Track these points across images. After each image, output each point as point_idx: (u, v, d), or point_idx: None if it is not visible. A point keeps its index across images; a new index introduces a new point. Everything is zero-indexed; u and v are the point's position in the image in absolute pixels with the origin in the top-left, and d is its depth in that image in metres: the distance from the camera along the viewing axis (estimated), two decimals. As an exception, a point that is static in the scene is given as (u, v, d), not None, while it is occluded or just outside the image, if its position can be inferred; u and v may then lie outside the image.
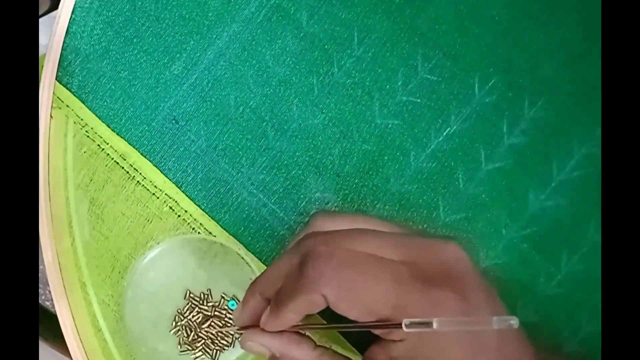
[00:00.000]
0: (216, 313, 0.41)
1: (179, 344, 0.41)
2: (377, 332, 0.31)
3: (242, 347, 0.35)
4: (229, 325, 0.41)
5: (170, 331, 0.41)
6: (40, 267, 0.43)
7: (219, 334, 0.41)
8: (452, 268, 0.32)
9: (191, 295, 0.41)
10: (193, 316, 0.41)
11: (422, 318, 0.28)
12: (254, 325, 0.35)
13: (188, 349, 0.41)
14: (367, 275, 0.30)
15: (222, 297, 0.41)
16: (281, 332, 0.34)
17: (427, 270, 0.31)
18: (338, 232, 0.32)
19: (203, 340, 0.41)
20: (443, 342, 0.30)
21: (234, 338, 0.41)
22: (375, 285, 0.30)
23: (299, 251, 0.32)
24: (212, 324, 0.41)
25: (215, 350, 0.41)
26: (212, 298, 0.41)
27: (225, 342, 0.41)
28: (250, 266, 0.41)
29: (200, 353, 0.41)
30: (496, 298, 0.33)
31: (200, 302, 0.41)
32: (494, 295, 0.32)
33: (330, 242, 0.31)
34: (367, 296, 0.30)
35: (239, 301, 0.41)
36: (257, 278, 0.35)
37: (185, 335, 0.41)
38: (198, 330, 0.41)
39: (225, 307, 0.41)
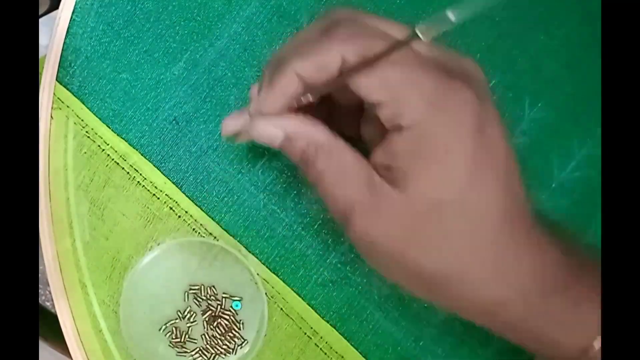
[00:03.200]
0: (221, 314, 0.41)
1: (172, 345, 0.41)
2: (384, 118, 0.30)
3: (251, 133, 0.33)
4: (234, 330, 0.41)
5: (160, 330, 0.41)
6: (40, 267, 0.43)
7: (223, 336, 0.41)
8: (472, 73, 0.31)
9: (193, 289, 0.41)
10: (202, 311, 0.41)
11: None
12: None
13: (185, 351, 0.41)
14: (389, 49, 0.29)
15: (224, 297, 0.41)
16: (297, 113, 0.32)
17: (451, 67, 0.30)
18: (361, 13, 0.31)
19: (203, 342, 0.41)
20: (447, 136, 0.29)
21: (236, 345, 0.41)
22: (396, 56, 0.29)
23: (323, 21, 0.31)
24: (219, 324, 0.41)
25: (213, 355, 0.41)
26: (217, 291, 0.41)
27: (226, 347, 0.41)
28: (250, 267, 0.41)
29: (197, 355, 0.41)
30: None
31: (208, 297, 0.41)
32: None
33: (357, 21, 0.31)
34: (385, 69, 0.29)
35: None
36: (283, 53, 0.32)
37: (179, 335, 0.41)
38: (204, 328, 0.41)
39: (230, 308, 0.41)
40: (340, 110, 0.35)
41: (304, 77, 0.31)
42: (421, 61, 0.30)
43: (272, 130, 0.32)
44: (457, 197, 0.29)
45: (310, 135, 0.31)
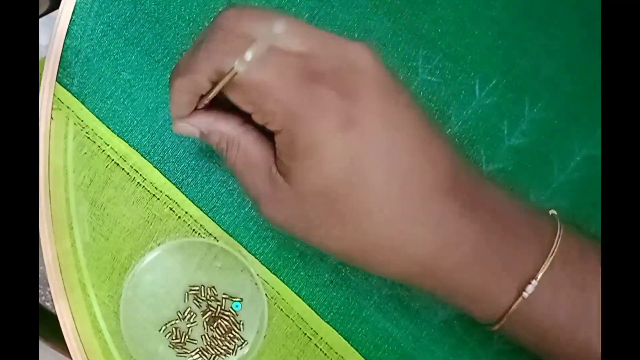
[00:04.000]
0: (221, 314, 0.41)
1: (172, 345, 0.41)
2: (259, 125, 0.32)
3: (174, 131, 0.36)
4: (234, 330, 0.41)
5: (160, 331, 0.41)
6: (40, 267, 0.43)
7: (223, 337, 0.41)
8: (349, 65, 0.31)
9: (193, 290, 0.41)
10: (202, 312, 0.41)
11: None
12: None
13: (185, 351, 0.41)
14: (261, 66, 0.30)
15: (224, 298, 0.41)
16: (210, 110, 0.34)
17: (321, 65, 0.31)
18: (251, 11, 0.32)
19: (203, 343, 0.41)
20: (312, 137, 0.31)
21: (236, 346, 0.41)
22: (263, 74, 0.30)
23: (208, 27, 0.32)
24: (219, 324, 0.41)
25: (213, 355, 0.41)
26: (217, 292, 0.41)
27: (226, 348, 0.41)
28: (250, 268, 0.41)
29: (197, 356, 0.41)
30: (403, 101, 0.32)
31: (208, 297, 0.41)
32: (399, 96, 0.32)
33: (239, 19, 0.31)
34: (243, 84, 0.31)
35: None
36: (177, 63, 0.34)
37: (179, 336, 0.41)
38: (204, 329, 0.41)
39: (230, 309, 0.41)
40: None
41: (185, 92, 0.33)
42: (281, 69, 0.31)
43: (189, 128, 0.35)
44: (336, 186, 0.31)
45: (221, 131, 0.34)
